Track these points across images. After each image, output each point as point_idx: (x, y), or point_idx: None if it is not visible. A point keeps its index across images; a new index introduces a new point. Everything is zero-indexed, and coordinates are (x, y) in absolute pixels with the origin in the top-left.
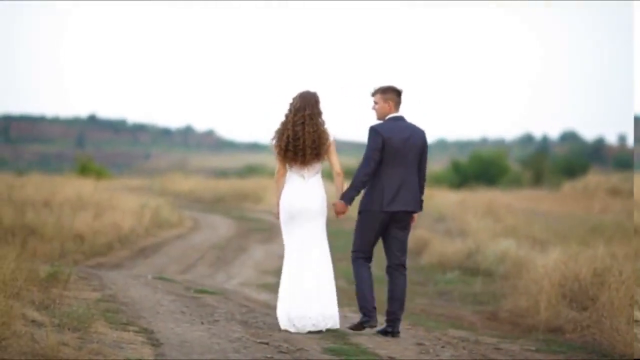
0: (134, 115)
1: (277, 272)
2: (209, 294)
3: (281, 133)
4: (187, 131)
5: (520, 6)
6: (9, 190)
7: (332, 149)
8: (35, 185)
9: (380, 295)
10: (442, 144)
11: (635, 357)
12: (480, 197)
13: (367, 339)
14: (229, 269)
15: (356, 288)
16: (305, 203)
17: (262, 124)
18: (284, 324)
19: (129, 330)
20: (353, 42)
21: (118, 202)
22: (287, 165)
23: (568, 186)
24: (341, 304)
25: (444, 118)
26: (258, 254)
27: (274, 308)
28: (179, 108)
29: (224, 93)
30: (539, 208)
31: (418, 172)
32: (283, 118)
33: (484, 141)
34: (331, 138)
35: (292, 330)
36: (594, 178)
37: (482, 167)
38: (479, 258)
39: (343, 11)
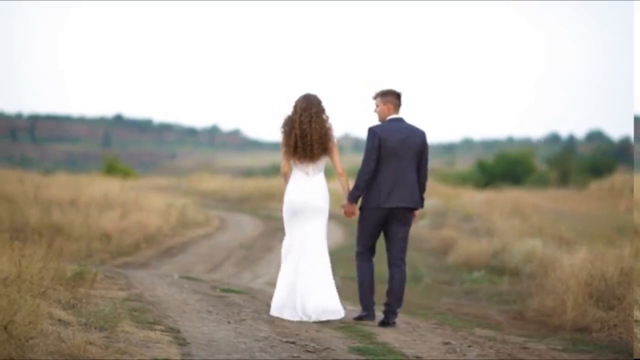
0: (160, 114)
1: None
2: (236, 293)
3: (289, 132)
4: (213, 131)
5: (552, 5)
6: (35, 190)
7: (335, 149)
8: (61, 185)
9: (382, 290)
10: (468, 144)
11: (636, 357)
12: (506, 196)
13: (394, 338)
14: (255, 268)
15: (358, 283)
16: (308, 200)
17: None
18: (273, 311)
19: (155, 330)
20: (377, 42)
21: (144, 202)
22: (292, 163)
23: (594, 186)
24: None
25: (470, 117)
26: None
27: None
28: (205, 108)
29: (250, 93)
30: (565, 207)
31: (418, 171)
32: (286, 117)
33: (510, 140)
34: (335, 138)
35: (279, 316)
36: (621, 177)
37: (508, 167)
38: (505, 257)
39: (369, 8)
